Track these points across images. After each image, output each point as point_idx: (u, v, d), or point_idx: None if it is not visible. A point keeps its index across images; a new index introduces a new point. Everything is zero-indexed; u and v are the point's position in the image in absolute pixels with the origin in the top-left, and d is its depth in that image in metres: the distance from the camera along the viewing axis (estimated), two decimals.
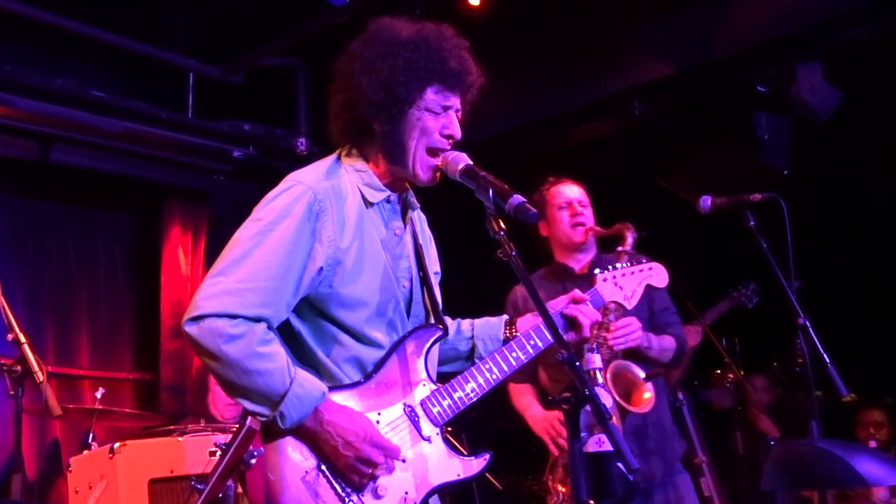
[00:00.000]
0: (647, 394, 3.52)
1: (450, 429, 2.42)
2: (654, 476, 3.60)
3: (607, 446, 2.54)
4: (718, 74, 4.95)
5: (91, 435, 4.25)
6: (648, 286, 2.85)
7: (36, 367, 3.10)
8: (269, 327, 2.21)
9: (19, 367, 3.14)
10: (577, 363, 2.09)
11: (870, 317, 5.62)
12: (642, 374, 3.55)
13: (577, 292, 2.63)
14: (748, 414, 6.10)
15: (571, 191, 3.90)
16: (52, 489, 5.26)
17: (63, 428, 5.28)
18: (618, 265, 2.83)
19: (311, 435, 2.20)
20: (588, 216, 3.85)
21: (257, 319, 2.18)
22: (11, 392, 3.19)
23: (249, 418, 2.09)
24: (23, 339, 3.11)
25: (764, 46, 4.70)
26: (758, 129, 5.00)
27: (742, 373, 5.87)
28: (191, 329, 2.16)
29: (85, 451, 4.08)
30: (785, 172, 5.17)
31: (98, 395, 4.42)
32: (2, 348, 3.55)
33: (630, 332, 3.51)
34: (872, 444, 5.41)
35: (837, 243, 5.61)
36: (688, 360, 4.96)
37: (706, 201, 3.72)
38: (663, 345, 3.72)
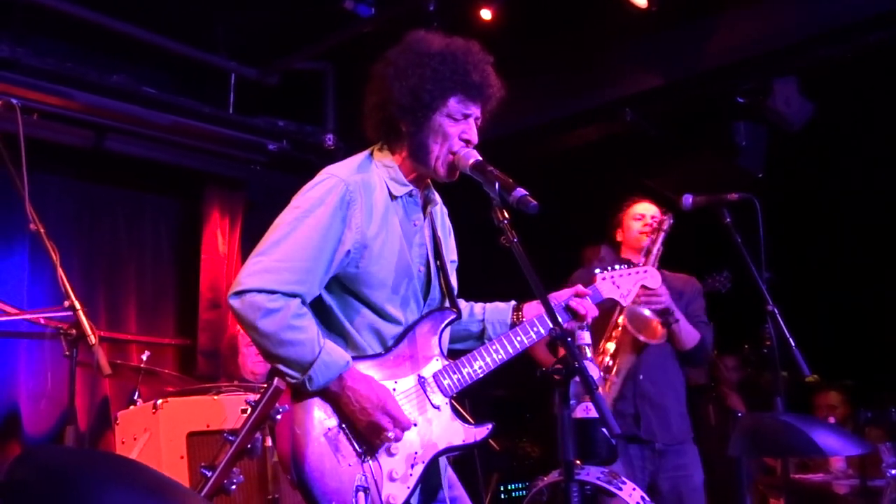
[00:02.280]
0: (661, 330, 3.68)
1: (454, 395, 2.42)
2: (655, 436, 3.71)
3: (593, 413, 2.55)
4: (702, 87, 4.91)
5: (136, 392, 4.24)
6: (643, 286, 2.86)
7: (89, 331, 3.07)
8: (303, 302, 2.23)
9: (74, 331, 3.12)
10: (569, 339, 2.10)
11: (832, 306, 5.60)
12: (648, 312, 3.68)
13: (579, 287, 2.64)
14: (719, 390, 6.08)
15: (645, 206, 4.08)
16: (101, 440, 5.28)
17: (112, 386, 5.29)
18: (616, 267, 2.82)
19: (335, 397, 2.22)
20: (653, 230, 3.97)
21: (293, 295, 2.19)
22: (67, 353, 3.16)
23: (276, 379, 2.10)
24: (78, 305, 3.08)
25: (744, 62, 4.67)
26: (736, 137, 4.98)
27: (715, 353, 5.85)
28: (234, 302, 2.18)
29: (131, 407, 4.08)
30: (759, 175, 5.14)
31: (143, 358, 4.41)
32: (59, 316, 3.57)
33: (656, 298, 3.62)
34: (832, 420, 5.37)
35: (806, 239, 5.58)
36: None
37: (688, 199, 3.72)
38: (689, 329, 3.83)
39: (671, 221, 3.88)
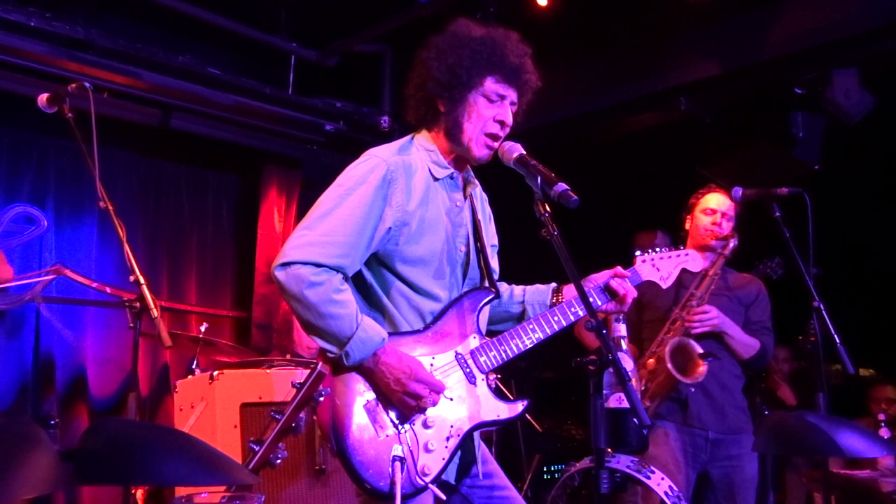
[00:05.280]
0: (701, 368, 3.55)
1: (499, 375, 2.49)
2: (706, 425, 3.66)
3: (626, 404, 2.62)
4: (760, 76, 4.86)
5: (195, 362, 4.40)
6: (684, 270, 2.81)
7: (152, 304, 3.10)
8: (345, 277, 2.31)
9: (138, 304, 3.17)
10: (604, 331, 2.17)
11: (891, 300, 5.51)
12: (700, 350, 3.59)
13: (619, 269, 2.66)
14: (770, 381, 6.05)
15: (718, 200, 3.90)
16: (160, 406, 5.54)
17: (172, 356, 5.50)
18: (657, 249, 2.79)
19: (370, 372, 2.30)
20: (725, 227, 3.84)
21: (336, 269, 2.28)
22: (131, 324, 3.22)
23: (321, 364, 2.20)
24: (142, 280, 3.11)
25: (803, 53, 4.60)
26: (793, 127, 4.90)
27: None
28: (279, 274, 2.26)
29: (189, 376, 4.23)
30: (816, 167, 5.07)
31: (202, 329, 4.57)
32: (125, 286, 3.74)
33: (705, 318, 3.58)
34: (881, 417, 5.32)
35: (863, 231, 5.50)
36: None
37: (737, 192, 3.69)
38: (746, 340, 3.75)
39: (735, 244, 3.80)
